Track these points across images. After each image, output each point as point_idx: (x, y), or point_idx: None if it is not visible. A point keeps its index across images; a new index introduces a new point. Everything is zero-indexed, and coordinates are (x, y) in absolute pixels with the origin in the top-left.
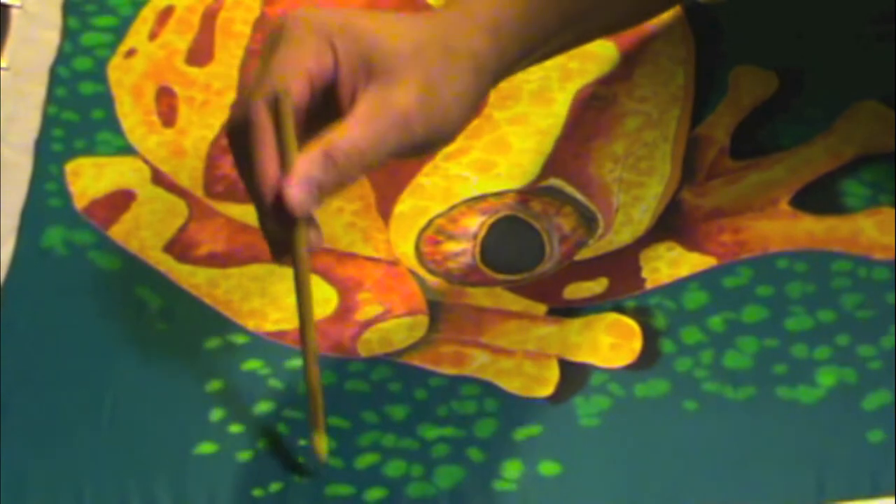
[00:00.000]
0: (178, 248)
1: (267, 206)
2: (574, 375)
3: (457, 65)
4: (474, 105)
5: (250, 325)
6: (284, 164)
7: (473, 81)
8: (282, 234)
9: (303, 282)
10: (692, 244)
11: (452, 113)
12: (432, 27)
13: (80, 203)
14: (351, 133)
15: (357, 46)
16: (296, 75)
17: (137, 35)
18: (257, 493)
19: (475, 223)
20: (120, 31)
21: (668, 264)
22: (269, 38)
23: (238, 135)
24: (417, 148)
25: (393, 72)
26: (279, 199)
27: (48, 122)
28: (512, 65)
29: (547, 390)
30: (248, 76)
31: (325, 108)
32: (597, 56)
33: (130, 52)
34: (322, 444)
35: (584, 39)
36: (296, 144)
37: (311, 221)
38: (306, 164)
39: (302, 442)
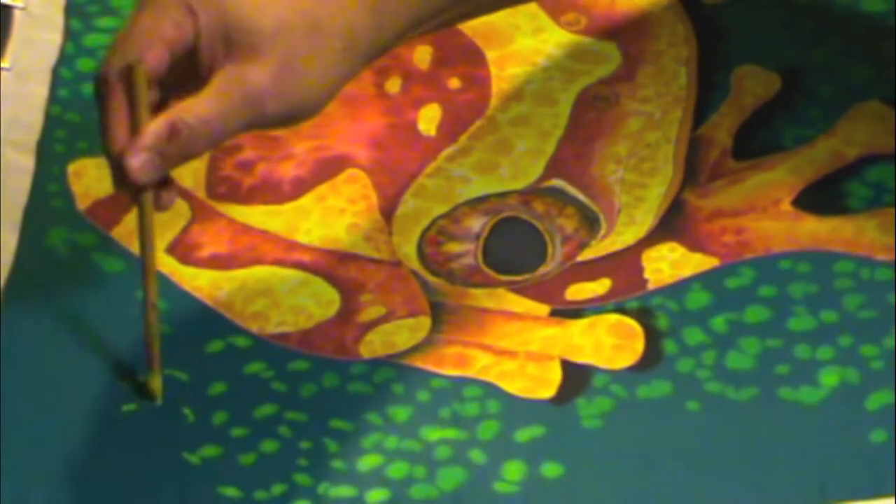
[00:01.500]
0: (181, 249)
1: (113, 171)
2: (576, 376)
3: (323, 42)
4: (340, 82)
5: (253, 327)
6: (134, 130)
7: (341, 59)
8: (127, 194)
9: (147, 242)
10: (695, 245)
11: (312, 91)
12: (302, 3)
13: (82, 204)
14: (199, 107)
15: (219, 19)
16: (154, 42)
17: None
18: (260, 495)
19: (477, 224)
20: None
21: (671, 265)
22: (137, 4)
23: (99, 92)
24: (270, 125)
25: (251, 48)
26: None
27: (51, 122)
28: (395, 39)
29: (549, 392)
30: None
31: (188, 74)
32: (599, 56)
33: None
34: (157, 384)
35: (479, 12)
36: (147, 112)
37: (165, 183)
38: (151, 134)
39: (304, 444)
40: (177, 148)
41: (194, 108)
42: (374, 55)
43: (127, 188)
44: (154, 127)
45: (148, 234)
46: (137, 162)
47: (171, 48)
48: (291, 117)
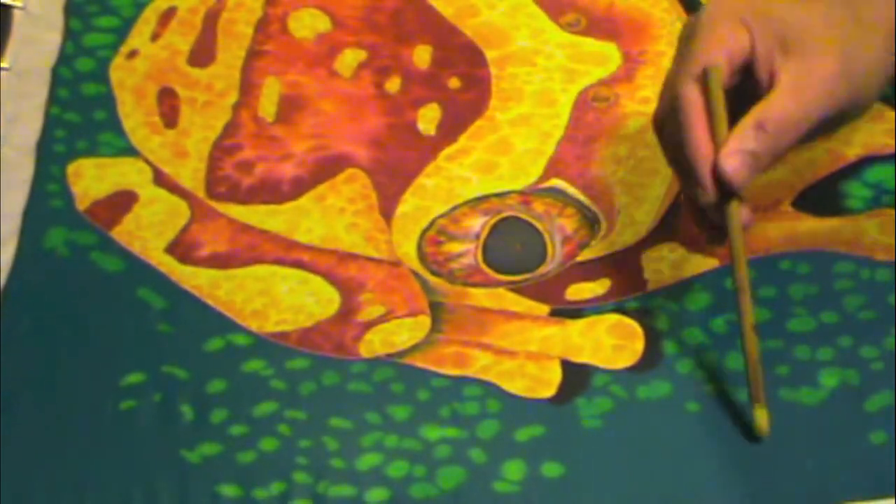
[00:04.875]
0: (180, 249)
1: (703, 181)
2: (576, 377)
3: (868, 36)
4: (886, 75)
5: (252, 325)
6: (716, 138)
7: (884, 52)
8: (713, 213)
9: (738, 256)
10: (694, 245)
11: (869, 82)
12: (840, 1)
13: (81, 204)
14: (781, 103)
15: (771, 25)
16: (717, 53)
17: (139, 36)
18: (259, 494)
19: (477, 224)
20: (122, 32)
21: (671, 265)
22: (684, 28)
23: (665, 122)
24: (837, 118)
25: (810, 44)
26: (714, 173)
27: (50, 123)
28: None
29: (549, 391)
30: (669, 70)
31: (737, 89)
32: (599, 57)
33: (132, 53)
34: (763, 418)
35: None
36: (726, 118)
37: (742, 199)
38: (740, 136)
39: (303, 443)
40: (766, 147)
41: (775, 105)
42: None
43: (717, 199)
44: (742, 128)
45: (739, 247)
46: (733, 164)
47: (732, 59)
48: (856, 106)
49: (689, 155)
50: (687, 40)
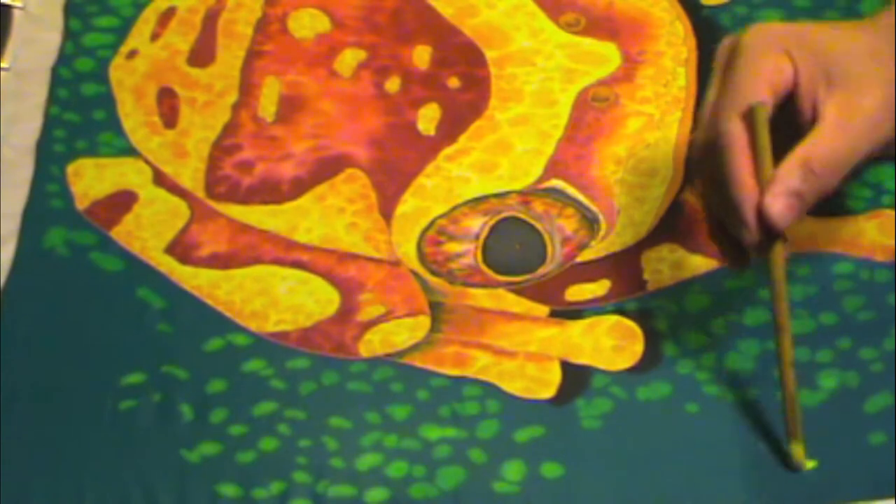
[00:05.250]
0: (180, 249)
1: (747, 220)
2: (576, 377)
3: None
4: None
5: (252, 326)
6: (761, 177)
7: None
8: (754, 251)
9: (780, 292)
10: (694, 246)
11: None
12: (882, 31)
13: (81, 204)
14: (827, 141)
15: (815, 57)
16: (761, 87)
17: (139, 36)
18: (259, 493)
19: (477, 224)
20: (121, 32)
21: (670, 266)
22: (723, 56)
23: (707, 152)
24: (882, 149)
25: (854, 77)
26: (758, 214)
27: (50, 122)
28: None
29: (549, 392)
30: (708, 96)
31: (776, 120)
32: (599, 57)
33: (132, 53)
34: (800, 452)
35: None
36: (771, 156)
37: (786, 239)
38: (786, 176)
39: (303, 442)
40: (812, 187)
41: (822, 143)
42: None
43: (761, 236)
44: (788, 169)
45: (781, 288)
46: (779, 207)
47: (776, 91)
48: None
49: (734, 195)
50: (728, 70)
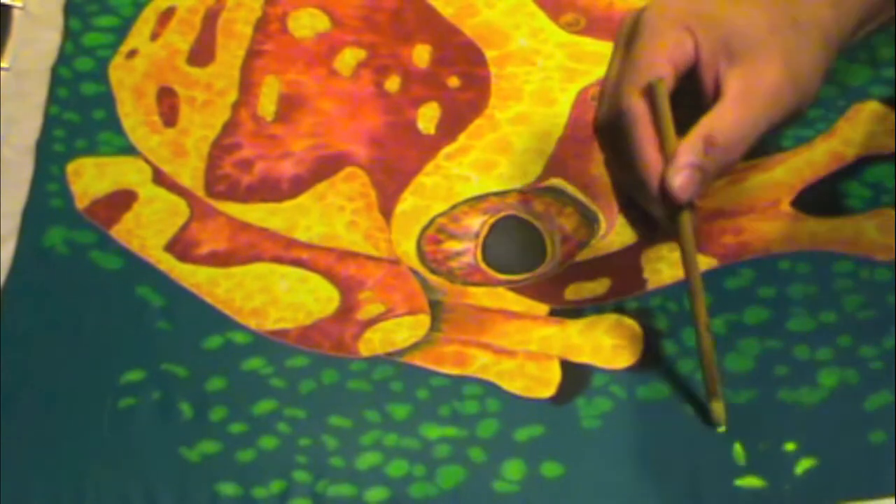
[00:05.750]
0: (180, 247)
1: (653, 194)
2: (576, 376)
3: (807, 36)
4: (827, 73)
5: (252, 324)
6: (665, 151)
7: (823, 52)
8: (664, 223)
9: (690, 259)
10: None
11: (813, 82)
12: (779, 3)
13: (81, 203)
14: (729, 114)
15: (715, 31)
16: (661, 63)
17: (139, 35)
18: (258, 492)
19: (477, 223)
20: (121, 32)
21: (670, 265)
22: (624, 33)
23: (609, 130)
24: (785, 120)
25: (754, 50)
26: (663, 186)
27: (49, 122)
28: (849, 35)
29: (549, 391)
30: (609, 73)
31: (679, 94)
32: (598, 56)
33: (132, 53)
34: (720, 410)
35: None
36: (674, 130)
37: (694, 208)
38: (689, 150)
39: (303, 441)
40: (714, 160)
41: (724, 117)
42: (839, 48)
43: (666, 209)
44: (690, 143)
45: (691, 254)
46: (680, 180)
47: (676, 66)
48: (799, 110)
49: (639, 169)
50: (628, 46)
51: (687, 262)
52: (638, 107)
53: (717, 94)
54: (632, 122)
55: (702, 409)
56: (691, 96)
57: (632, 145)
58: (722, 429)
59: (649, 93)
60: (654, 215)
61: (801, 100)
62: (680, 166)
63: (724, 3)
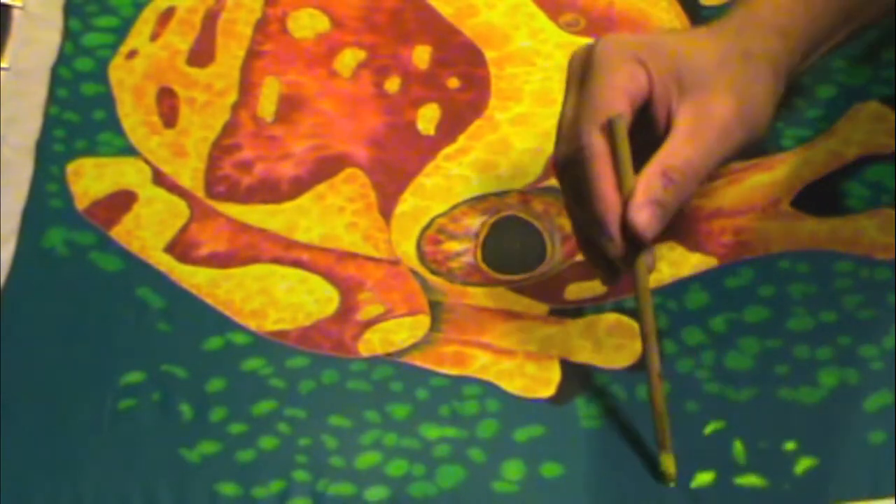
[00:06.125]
0: (179, 248)
1: (612, 233)
2: (576, 376)
3: (758, 69)
4: (775, 104)
5: (251, 324)
6: (622, 187)
7: (773, 83)
8: (621, 262)
9: (645, 302)
10: (694, 244)
11: (763, 114)
12: (729, 36)
13: (81, 204)
14: (680, 149)
15: (666, 64)
16: (619, 99)
17: (139, 36)
18: (258, 492)
19: (476, 223)
20: (121, 32)
21: (670, 264)
22: (576, 68)
23: (568, 167)
24: (735, 154)
25: (705, 84)
26: (623, 224)
27: (49, 122)
28: (799, 65)
29: (549, 391)
30: (564, 110)
31: (635, 128)
32: None
33: (132, 53)
34: (670, 464)
35: (853, 37)
36: (632, 168)
37: (650, 248)
38: (647, 187)
39: (303, 441)
40: (673, 196)
41: (678, 152)
42: (788, 79)
43: (626, 247)
44: (648, 179)
45: (645, 299)
46: (643, 217)
47: (633, 101)
48: (750, 143)
49: (597, 207)
50: (583, 82)
51: (641, 307)
52: (597, 144)
53: (668, 127)
54: (590, 160)
55: (702, 408)
56: (641, 128)
57: (590, 183)
58: (672, 484)
59: (608, 130)
60: (610, 254)
61: (752, 132)
62: (641, 203)
63: (675, 36)
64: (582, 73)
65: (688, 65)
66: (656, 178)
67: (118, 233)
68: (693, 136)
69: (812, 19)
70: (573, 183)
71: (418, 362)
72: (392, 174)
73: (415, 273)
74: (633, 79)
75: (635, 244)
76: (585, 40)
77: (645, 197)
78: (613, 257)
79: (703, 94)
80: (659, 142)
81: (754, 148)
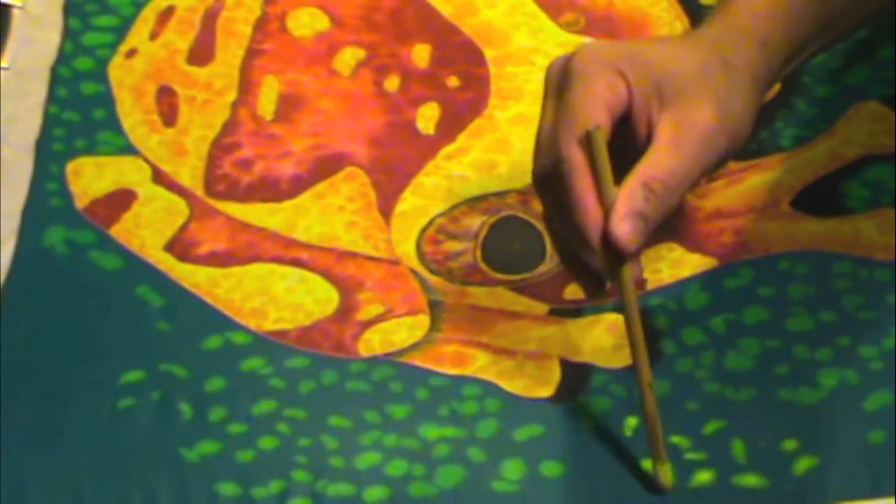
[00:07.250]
0: (179, 247)
1: (594, 245)
2: (575, 376)
3: (737, 78)
4: (756, 113)
5: (251, 324)
6: (603, 199)
7: (753, 91)
8: (605, 273)
9: (632, 313)
10: (693, 245)
11: (744, 123)
12: (709, 46)
13: (80, 202)
14: (662, 161)
15: (646, 74)
16: (599, 110)
17: (138, 35)
18: (258, 492)
19: (476, 223)
20: (121, 31)
21: (670, 265)
22: (553, 79)
23: (548, 179)
24: (718, 163)
25: (685, 93)
26: (605, 238)
27: (49, 121)
28: (777, 73)
29: (548, 391)
30: (543, 121)
31: (615, 138)
32: None
33: (131, 52)
34: (667, 474)
35: (829, 46)
36: (612, 179)
37: (633, 259)
38: (628, 198)
39: (302, 441)
40: (655, 207)
41: (659, 164)
42: (767, 88)
43: (609, 260)
44: (630, 191)
45: (632, 309)
46: (625, 230)
47: (612, 112)
48: (732, 152)
49: (579, 220)
50: (561, 93)
51: (629, 319)
52: (577, 156)
53: (649, 138)
54: (569, 172)
55: (702, 408)
56: (622, 139)
57: (571, 196)
58: (668, 491)
59: (587, 141)
60: (594, 267)
61: (732, 141)
62: (622, 215)
63: (654, 46)
64: (559, 83)
65: (667, 74)
66: (638, 189)
67: (118, 232)
68: (674, 147)
69: (791, 28)
70: (553, 196)
71: (418, 362)
72: (392, 173)
73: (414, 273)
74: (612, 89)
75: (619, 256)
76: (585, 40)
77: (627, 209)
78: (597, 269)
79: (684, 103)
80: (639, 152)
81: (735, 155)
